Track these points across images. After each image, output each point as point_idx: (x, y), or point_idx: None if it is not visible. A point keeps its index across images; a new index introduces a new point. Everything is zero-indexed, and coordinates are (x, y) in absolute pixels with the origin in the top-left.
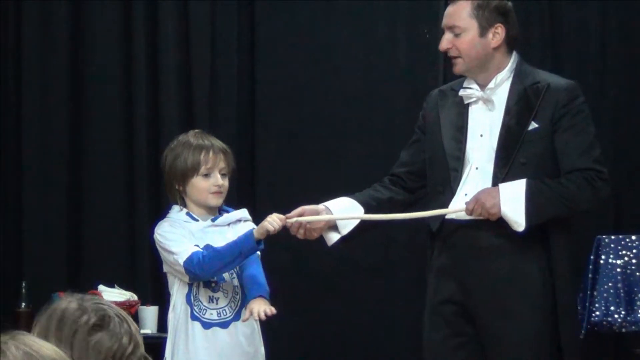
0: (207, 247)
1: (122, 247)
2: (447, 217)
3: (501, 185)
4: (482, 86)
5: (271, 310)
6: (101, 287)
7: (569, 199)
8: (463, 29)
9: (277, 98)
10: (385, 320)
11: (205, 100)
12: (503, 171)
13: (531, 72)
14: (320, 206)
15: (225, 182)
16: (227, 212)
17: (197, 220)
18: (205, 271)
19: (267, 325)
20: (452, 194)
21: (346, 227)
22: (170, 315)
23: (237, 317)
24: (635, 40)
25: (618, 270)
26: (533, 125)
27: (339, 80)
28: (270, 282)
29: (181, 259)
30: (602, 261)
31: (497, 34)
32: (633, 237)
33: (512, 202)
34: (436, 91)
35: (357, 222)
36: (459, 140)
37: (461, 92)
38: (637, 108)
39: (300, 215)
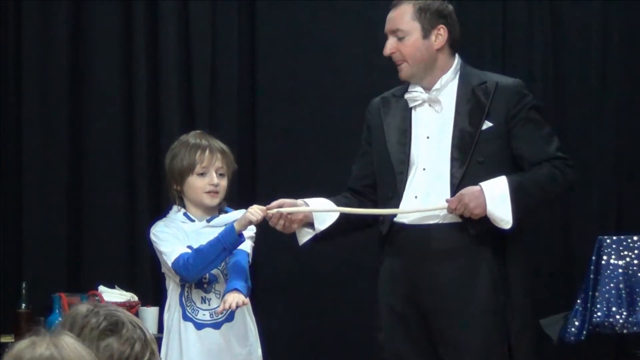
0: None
1: (122, 248)
2: (395, 219)
3: (484, 185)
4: (427, 89)
5: (244, 302)
6: (101, 288)
7: (546, 189)
8: (406, 32)
9: (277, 98)
10: None
11: (206, 100)
12: (460, 172)
13: (476, 73)
14: (299, 201)
15: (222, 182)
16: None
17: (193, 221)
18: (191, 272)
19: (265, 326)
20: (399, 197)
21: (322, 224)
22: (165, 316)
23: (229, 317)
24: (637, 41)
25: (620, 271)
26: (487, 124)
27: (339, 80)
28: (271, 283)
29: (169, 260)
30: (603, 262)
31: (440, 35)
32: (635, 238)
33: (498, 201)
34: (378, 99)
35: (333, 220)
36: (404, 144)
37: (406, 96)
38: (639, 109)
39: (280, 206)
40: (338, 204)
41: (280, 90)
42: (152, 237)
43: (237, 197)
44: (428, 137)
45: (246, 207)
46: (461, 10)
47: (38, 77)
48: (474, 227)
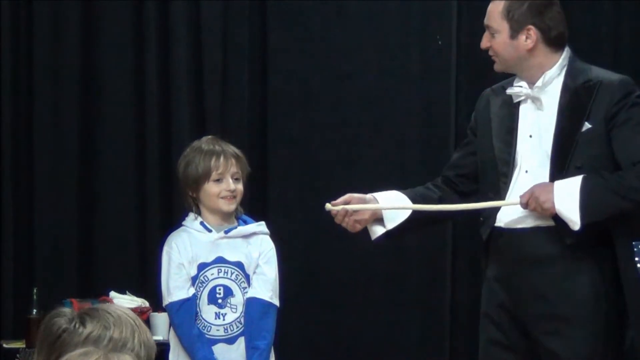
0: (218, 259)
1: (133, 254)
2: (496, 224)
3: (557, 182)
4: (531, 84)
5: None
6: (112, 294)
7: (628, 191)
8: (496, 29)
9: (289, 105)
10: (398, 327)
11: (217, 107)
12: (559, 177)
13: (583, 69)
14: (368, 196)
15: (238, 187)
16: (246, 222)
17: (210, 231)
18: (176, 329)
19: (279, 334)
20: (502, 199)
21: (393, 221)
22: (172, 334)
23: (244, 331)
24: None
25: None
26: (586, 126)
27: (351, 86)
28: (284, 289)
29: (167, 299)
30: None
31: (530, 37)
32: None
33: (566, 199)
34: (488, 90)
35: (404, 217)
36: (509, 143)
37: (509, 90)
38: None
39: (347, 203)
40: (411, 194)
41: (291, 95)
42: (164, 254)
43: (248, 202)
44: (531, 136)
45: (257, 214)
46: (469, 16)
47: (49, 83)
48: (571, 236)
